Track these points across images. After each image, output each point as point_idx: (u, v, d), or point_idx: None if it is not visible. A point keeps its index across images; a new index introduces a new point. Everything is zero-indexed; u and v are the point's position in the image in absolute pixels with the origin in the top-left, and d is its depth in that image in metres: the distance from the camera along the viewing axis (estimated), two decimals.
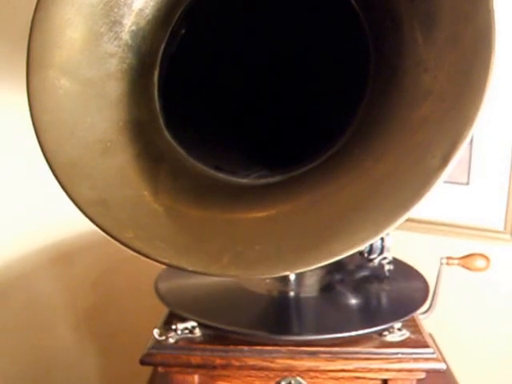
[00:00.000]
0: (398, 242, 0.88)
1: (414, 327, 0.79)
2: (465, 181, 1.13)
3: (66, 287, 1.24)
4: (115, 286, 1.27)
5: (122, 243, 0.62)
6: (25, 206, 1.14)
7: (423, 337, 0.77)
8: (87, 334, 1.28)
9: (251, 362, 0.74)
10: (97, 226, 0.63)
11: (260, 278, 0.85)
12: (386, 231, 0.56)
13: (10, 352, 1.18)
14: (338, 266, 0.92)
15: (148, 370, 0.95)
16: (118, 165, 0.68)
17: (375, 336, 0.76)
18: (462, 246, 1.09)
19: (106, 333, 1.29)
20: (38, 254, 1.18)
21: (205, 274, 0.60)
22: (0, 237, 1.14)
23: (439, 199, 1.15)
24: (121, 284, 1.26)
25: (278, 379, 0.75)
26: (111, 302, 1.27)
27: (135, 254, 0.62)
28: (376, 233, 0.56)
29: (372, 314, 0.80)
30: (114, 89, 0.70)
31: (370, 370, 0.74)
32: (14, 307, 1.18)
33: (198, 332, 0.76)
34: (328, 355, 0.73)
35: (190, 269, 0.59)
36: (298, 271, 0.58)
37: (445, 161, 0.55)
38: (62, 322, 1.24)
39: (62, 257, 1.21)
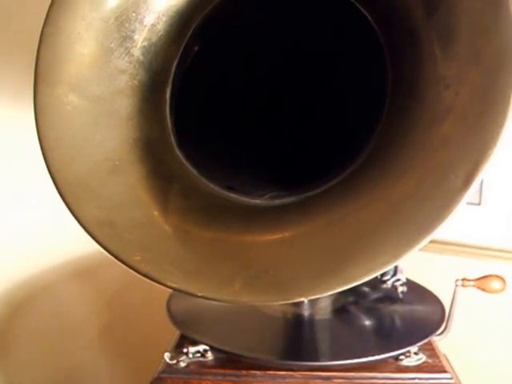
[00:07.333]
0: (409, 262, 0.83)
1: (431, 351, 0.74)
2: (477, 201, 1.10)
3: (82, 304, 1.19)
4: (130, 304, 1.22)
5: (128, 266, 0.57)
6: (38, 219, 1.09)
7: (440, 361, 0.72)
8: (101, 351, 1.24)
9: None
10: (103, 247, 0.58)
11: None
12: (406, 255, 0.50)
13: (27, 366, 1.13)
14: (351, 288, 0.86)
15: None
16: (127, 184, 0.63)
17: (391, 360, 0.70)
18: (473, 266, 1.06)
19: (120, 350, 1.25)
20: (54, 271, 1.14)
21: (215, 299, 0.55)
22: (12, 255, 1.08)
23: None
24: (136, 301, 1.22)
25: None
26: (126, 320, 1.23)
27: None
28: (396, 257, 0.51)
29: (388, 338, 0.75)
30: (124, 106, 0.65)
31: None
32: (27, 323, 1.13)
33: (210, 355, 0.72)
34: (343, 380, 0.68)
35: (200, 294, 0.54)
36: (313, 297, 0.52)
37: (467, 181, 0.50)
38: (76, 338, 1.19)
39: (79, 274, 1.16)
